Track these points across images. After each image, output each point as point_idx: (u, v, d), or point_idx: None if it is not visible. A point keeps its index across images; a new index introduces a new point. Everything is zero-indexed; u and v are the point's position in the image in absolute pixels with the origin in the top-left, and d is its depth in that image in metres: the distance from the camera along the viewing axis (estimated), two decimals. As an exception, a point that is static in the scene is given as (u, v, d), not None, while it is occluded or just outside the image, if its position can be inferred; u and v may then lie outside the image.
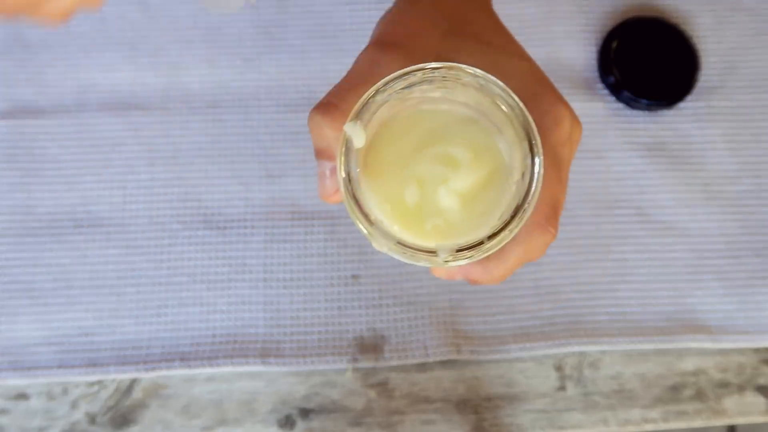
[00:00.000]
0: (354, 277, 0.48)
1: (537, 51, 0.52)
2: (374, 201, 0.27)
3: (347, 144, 0.25)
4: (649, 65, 0.51)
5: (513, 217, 0.25)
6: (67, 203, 0.49)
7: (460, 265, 0.28)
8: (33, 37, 0.52)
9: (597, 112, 0.51)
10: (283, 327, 0.47)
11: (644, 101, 0.50)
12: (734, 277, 0.48)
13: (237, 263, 0.48)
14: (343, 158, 0.25)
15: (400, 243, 0.25)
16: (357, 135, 0.25)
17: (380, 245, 0.25)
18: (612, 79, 0.51)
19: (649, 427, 0.46)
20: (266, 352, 0.46)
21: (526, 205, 0.25)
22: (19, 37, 0.52)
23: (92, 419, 0.46)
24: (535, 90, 0.29)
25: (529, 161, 0.25)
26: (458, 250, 0.25)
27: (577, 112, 0.51)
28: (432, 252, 0.25)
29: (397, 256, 0.25)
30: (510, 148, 0.27)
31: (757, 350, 0.48)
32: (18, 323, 0.47)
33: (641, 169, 0.50)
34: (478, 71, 0.25)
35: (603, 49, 0.52)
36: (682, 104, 0.51)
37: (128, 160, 0.50)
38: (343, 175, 0.25)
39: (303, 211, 0.49)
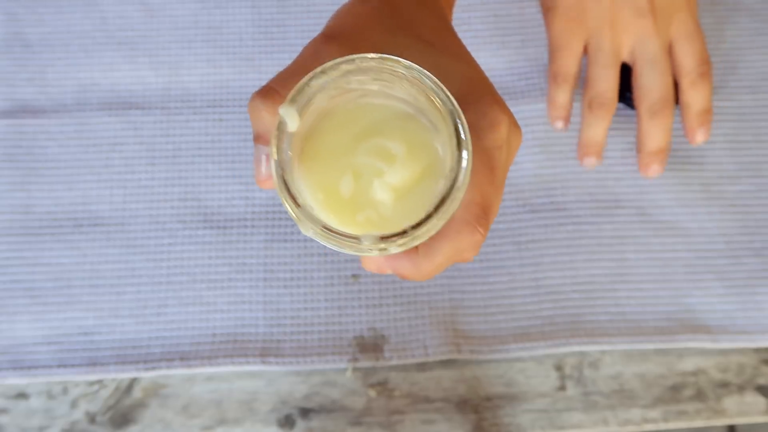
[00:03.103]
0: (354, 276, 0.48)
1: (537, 51, 0.53)
2: (309, 189, 0.27)
3: (280, 126, 0.26)
4: (649, 65, 0.51)
5: (437, 208, 0.25)
6: (67, 203, 0.49)
7: (388, 257, 0.28)
8: (33, 36, 0.52)
9: (597, 112, 0.51)
10: (283, 326, 0.47)
11: (644, 101, 0.50)
12: (734, 277, 0.48)
13: (237, 263, 0.48)
14: (275, 141, 0.26)
15: (325, 228, 0.25)
16: (290, 118, 0.25)
17: (306, 229, 0.25)
18: (612, 79, 0.51)
19: (649, 427, 0.46)
20: (266, 352, 0.46)
21: (450, 199, 0.25)
22: (19, 36, 0.52)
23: (92, 419, 0.46)
24: (472, 92, 0.29)
25: (456, 154, 0.25)
26: (382, 238, 0.25)
27: (578, 112, 0.52)
28: (356, 239, 0.25)
29: (322, 241, 0.25)
30: (444, 146, 0.27)
31: (757, 350, 0.48)
32: (18, 322, 0.47)
33: (641, 169, 0.50)
34: (413, 64, 0.26)
35: (603, 49, 0.52)
36: (682, 104, 0.51)
37: (128, 160, 0.50)
38: (275, 157, 0.26)
39: (303, 210, 0.49)
